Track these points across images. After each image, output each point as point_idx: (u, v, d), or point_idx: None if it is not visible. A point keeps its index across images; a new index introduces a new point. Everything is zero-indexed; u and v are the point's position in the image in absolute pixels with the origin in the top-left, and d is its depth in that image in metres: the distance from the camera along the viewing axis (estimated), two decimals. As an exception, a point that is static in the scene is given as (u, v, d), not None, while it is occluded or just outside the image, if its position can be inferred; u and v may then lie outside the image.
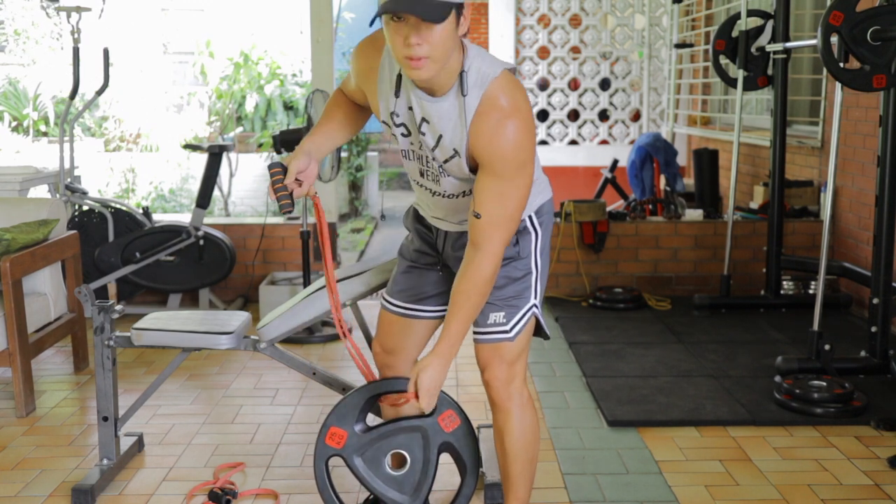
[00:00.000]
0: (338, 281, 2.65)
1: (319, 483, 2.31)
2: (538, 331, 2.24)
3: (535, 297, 2.18)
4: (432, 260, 2.32)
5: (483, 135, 1.91)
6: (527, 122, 1.92)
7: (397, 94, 1.98)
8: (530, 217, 2.16)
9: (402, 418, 2.29)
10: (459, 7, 1.82)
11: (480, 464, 2.29)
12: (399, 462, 2.29)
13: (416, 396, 2.04)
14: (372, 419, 2.38)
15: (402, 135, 2.05)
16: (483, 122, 1.91)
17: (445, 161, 2.00)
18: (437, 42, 1.80)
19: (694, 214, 5.26)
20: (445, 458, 2.30)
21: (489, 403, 2.23)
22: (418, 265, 2.33)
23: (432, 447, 2.24)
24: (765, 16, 4.74)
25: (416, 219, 2.34)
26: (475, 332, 2.17)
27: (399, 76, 1.97)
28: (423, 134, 1.99)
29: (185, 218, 5.13)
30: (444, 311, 2.32)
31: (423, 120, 1.97)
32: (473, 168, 1.99)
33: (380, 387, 2.29)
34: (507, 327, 2.15)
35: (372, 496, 2.43)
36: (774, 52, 4.57)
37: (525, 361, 2.21)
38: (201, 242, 4.62)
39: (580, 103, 7.70)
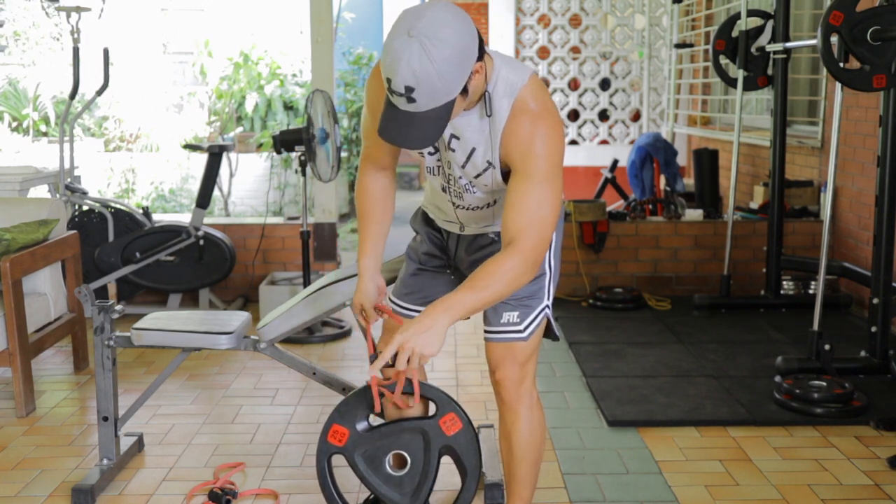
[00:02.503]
0: (338, 281, 2.65)
1: (321, 480, 2.31)
2: (548, 332, 2.24)
3: (548, 298, 2.18)
4: (442, 263, 2.30)
5: (515, 138, 1.89)
6: (556, 124, 1.91)
7: None
8: None
9: (405, 419, 2.29)
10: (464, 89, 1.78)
11: (481, 467, 2.29)
12: (400, 463, 2.29)
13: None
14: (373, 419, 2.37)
15: (430, 153, 2.04)
16: (515, 126, 1.89)
17: (477, 176, 1.98)
18: (454, 114, 1.81)
19: (694, 214, 5.26)
20: (447, 458, 2.30)
21: (498, 403, 2.22)
22: (427, 268, 2.31)
23: (433, 449, 2.24)
24: (765, 16, 4.74)
25: (426, 221, 2.32)
26: (487, 332, 2.16)
27: None
28: (453, 150, 1.97)
29: (185, 218, 5.14)
30: None
31: (453, 136, 1.95)
32: (507, 176, 1.97)
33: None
34: (521, 327, 2.13)
35: (372, 496, 2.43)
36: (774, 52, 4.57)
37: (535, 362, 2.21)
38: (201, 242, 4.62)
39: (580, 103, 7.71)
